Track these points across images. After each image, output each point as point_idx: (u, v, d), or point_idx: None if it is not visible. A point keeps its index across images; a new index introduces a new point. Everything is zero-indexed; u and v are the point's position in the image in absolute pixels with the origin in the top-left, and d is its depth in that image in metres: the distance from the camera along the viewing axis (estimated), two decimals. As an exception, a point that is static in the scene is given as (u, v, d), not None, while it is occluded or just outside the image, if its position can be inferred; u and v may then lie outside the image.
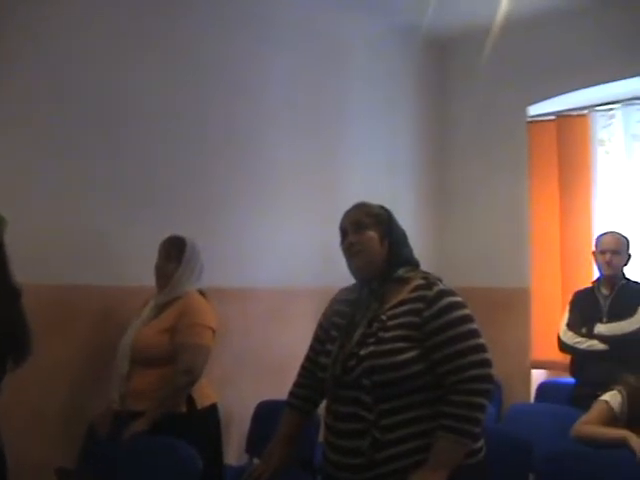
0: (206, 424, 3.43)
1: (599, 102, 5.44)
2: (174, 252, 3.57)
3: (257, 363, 4.50)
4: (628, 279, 4.26)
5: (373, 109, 5.49)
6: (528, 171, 5.67)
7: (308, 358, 2.74)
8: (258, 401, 4.27)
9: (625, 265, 4.25)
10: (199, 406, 3.39)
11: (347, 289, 2.66)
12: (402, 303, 2.40)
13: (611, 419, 3.17)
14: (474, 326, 2.36)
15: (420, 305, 2.35)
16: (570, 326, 4.27)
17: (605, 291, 4.24)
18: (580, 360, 4.22)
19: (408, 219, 5.25)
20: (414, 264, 2.54)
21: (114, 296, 3.82)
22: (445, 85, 6.06)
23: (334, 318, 2.58)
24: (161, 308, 3.53)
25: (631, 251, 4.29)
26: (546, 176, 5.63)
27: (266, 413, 4.14)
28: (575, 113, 5.57)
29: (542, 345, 5.24)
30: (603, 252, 4.23)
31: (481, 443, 2.42)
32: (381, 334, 2.36)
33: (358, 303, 2.52)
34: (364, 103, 5.42)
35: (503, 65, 5.59)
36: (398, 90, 5.77)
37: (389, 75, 5.68)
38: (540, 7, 5.05)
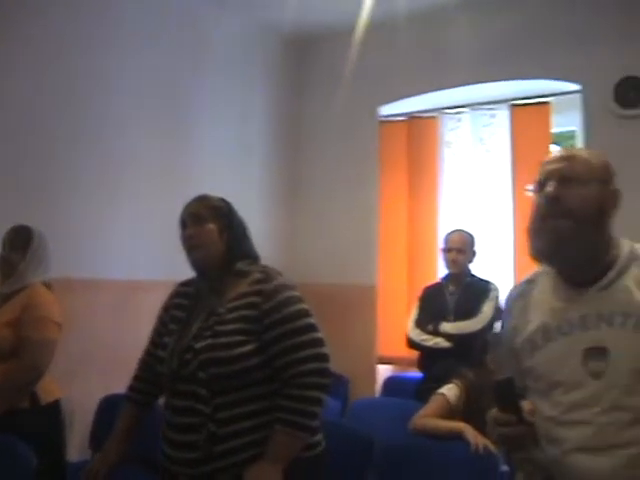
0: (49, 420, 3.30)
1: (449, 105, 5.61)
2: (19, 242, 3.37)
3: (105, 356, 4.33)
4: (474, 276, 4.37)
5: (229, 105, 5.41)
6: (379, 170, 5.75)
7: (147, 351, 2.66)
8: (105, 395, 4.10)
9: (470, 262, 4.36)
10: (42, 402, 3.25)
11: (187, 282, 2.60)
12: (240, 296, 2.36)
13: (448, 411, 3.24)
14: (311, 320, 2.36)
15: (258, 299, 2.33)
16: (417, 323, 4.33)
17: (452, 288, 4.33)
18: (427, 356, 4.29)
19: (259, 215, 5.33)
20: (254, 257, 2.51)
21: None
22: (304, 83, 6.06)
23: (173, 311, 2.52)
24: (4, 299, 3.33)
25: (476, 249, 4.39)
26: (396, 175, 5.74)
27: (110, 407, 3.96)
28: (425, 115, 5.70)
29: (388, 341, 5.33)
30: (449, 250, 4.32)
31: (319, 437, 2.41)
32: (218, 327, 2.32)
33: (197, 296, 2.47)
34: (220, 98, 5.32)
35: (359, 65, 5.63)
36: (256, 87, 5.72)
37: (247, 71, 5.62)
38: (396, 11, 5.13)
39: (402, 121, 5.79)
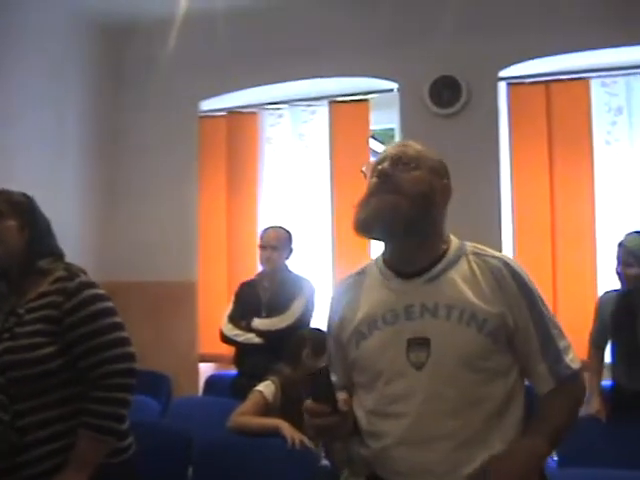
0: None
1: (270, 101, 5.61)
2: None
3: None
4: (290, 272, 4.39)
5: (41, 98, 5.08)
6: (198, 166, 5.66)
7: None
8: None
9: (287, 259, 4.37)
10: None
11: None
12: (42, 296, 2.24)
13: (265, 408, 3.27)
14: (117, 319, 2.28)
15: (60, 298, 2.21)
16: (231, 318, 4.30)
17: (266, 284, 4.33)
18: (241, 352, 4.28)
19: (73, 212, 5.09)
20: (57, 255, 2.38)
21: None
22: (122, 75, 5.83)
23: None
24: None
25: (293, 246, 4.41)
26: (216, 171, 5.66)
27: None
28: (246, 110, 5.67)
29: (209, 338, 5.26)
30: (264, 247, 4.32)
31: (129, 441, 2.33)
32: (17, 329, 2.19)
33: None
34: (31, 89, 4.98)
35: (179, 58, 5.49)
36: (70, 77, 5.40)
37: (60, 61, 5.28)
38: (216, 2, 5.06)
39: (222, 116, 5.72)
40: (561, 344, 1.82)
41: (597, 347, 3.74)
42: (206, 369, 5.52)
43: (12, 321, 2.21)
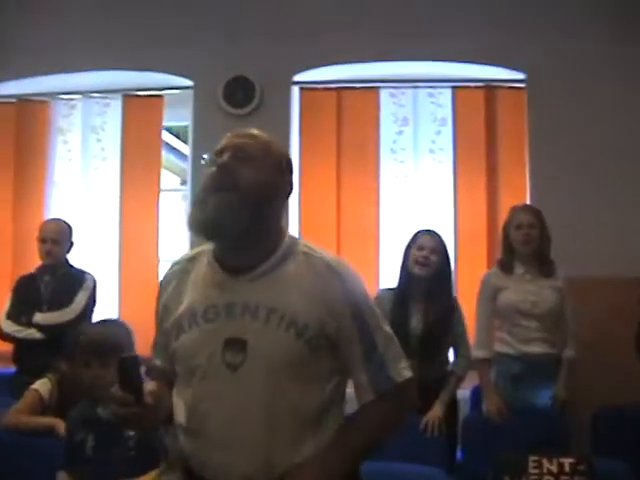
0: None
1: (63, 91, 5.39)
2: None
3: None
4: (72, 266, 4.25)
5: None
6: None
7: None
8: None
9: (68, 252, 4.23)
10: None
11: None
12: None
13: (41, 407, 3.11)
14: None
15: None
16: (10, 314, 4.10)
17: (47, 278, 4.16)
18: (20, 349, 4.08)
19: None
20: None
21: None
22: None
23: None
24: None
25: (74, 239, 4.27)
26: (1, 161, 5.35)
27: None
28: (37, 99, 5.41)
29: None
30: (44, 240, 4.14)
31: None
32: None
33: None
34: None
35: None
36: None
37: None
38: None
39: (11, 103, 5.41)
40: (388, 354, 1.76)
41: None
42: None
43: None
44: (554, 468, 2.46)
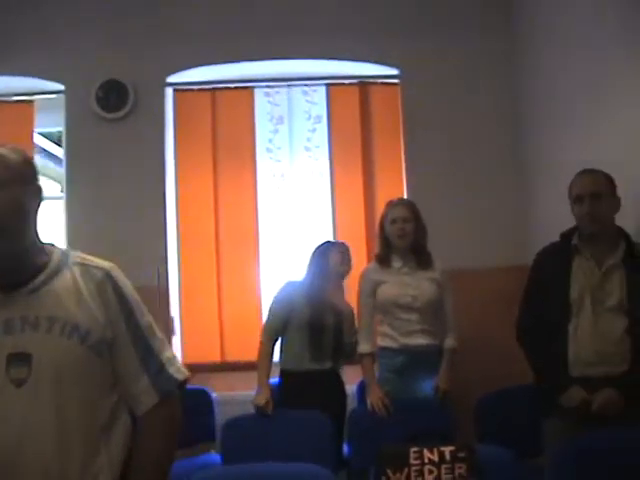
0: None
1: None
2: None
3: None
4: None
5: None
6: None
7: None
8: None
9: None
10: None
11: None
12: None
13: None
14: None
15: None
16: None
17: None
18: None
19: None
20: None
21: None
22: None
23: None
24: None
25: None
26: None
27: None
28: None
29: None
30: None
31: None
32: None
33: None
34: None
35: None
36: None
37: None
38: None
39: None
40: (164, 356, 1.81)
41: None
42: None
43: None
44: (435, 457, 2.49)
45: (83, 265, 1.78)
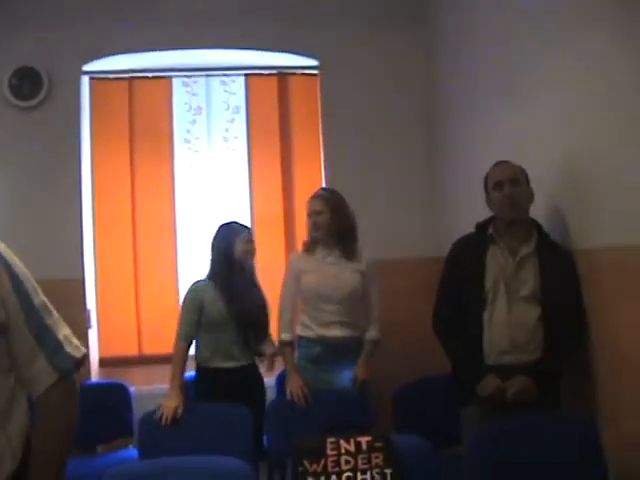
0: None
1: None
2: None
3: None
4: None
5: None
6: None
7: None
8: None
9: None
10: None
11: None
12: None
13: None
14: None
15: None
16: None
17: None
18: None
19: None
20: None
21: None
22: None
23: None
24: None
25: None
26: None
27: None
28: None
29: None
30: None
31: None
32: None
33: None
34: None
35: None
36: None
37: None
38: None
39: None
40: (60, 334, 1.78)
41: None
42: None
43: None
44: (352, 448, 2.50)
45: None
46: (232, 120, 4.96)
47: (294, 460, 2.48)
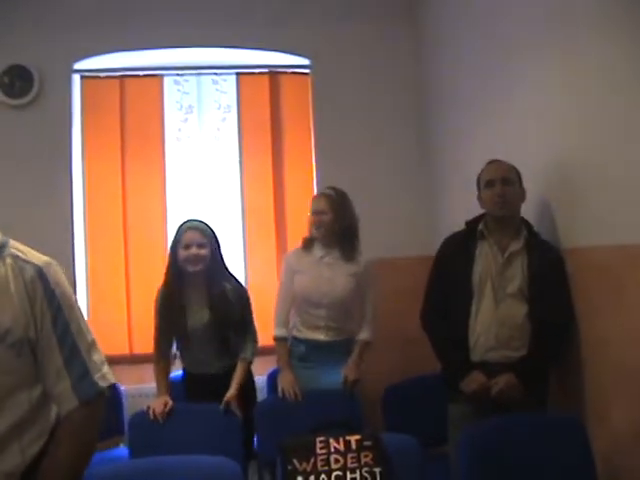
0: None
1: None
2: None
3: None
4: None
5: None
6: None
7: None
8: None
9: None
10: None
11: None
12: None
13: None
14: None
15: None
16: None
17: None
18: None
19: None
20: None
21: None
22: None
23: None
24: None
25: None
26: None
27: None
28: None
29: None
30: None
31: None
32: None
33: None
34: None
35: None
36: None
37: None
38: None
39: None
40: (91, 360, 1.78)
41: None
42: None
43: None
44: (341, 447, 2.51)
45: (16, 258, 1.73)
46: (223, 119, 4.96)
47: (283, 459, 2.49)
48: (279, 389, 3.52)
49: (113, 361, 4.48)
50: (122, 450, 3.98)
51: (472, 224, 3.05)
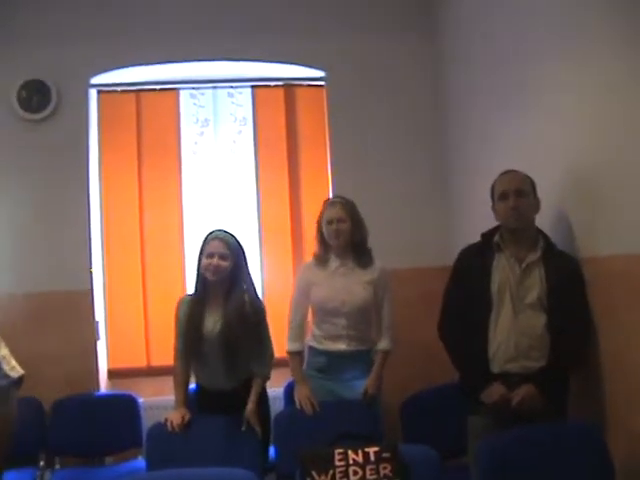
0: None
1: None
2: None
3: None
4: None
5: None
6: None
7: None
8: None
9: None
10: None
11: None
12: None
13: None
14: None
15: None
16: None
17: None
18: None
19: None
20: None
21: None
22: None
23: None
24: None
25: None
26: None
27: None
28: None
29: None
30: None
31: None
32: None
33: None
34: None
35: None
36: None
37: None
38: None
39: None
40: None
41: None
42: None
43: None
44: (360, 458, 2.50)
45: None
46: (239, 132, 4.98)
47: (302, 471, 2.48)
48: (296, 402, 3.51)
49: (131, 373, 4.60)
50: (140, 462, 3.98)
51: (487, 236, 3.04)
